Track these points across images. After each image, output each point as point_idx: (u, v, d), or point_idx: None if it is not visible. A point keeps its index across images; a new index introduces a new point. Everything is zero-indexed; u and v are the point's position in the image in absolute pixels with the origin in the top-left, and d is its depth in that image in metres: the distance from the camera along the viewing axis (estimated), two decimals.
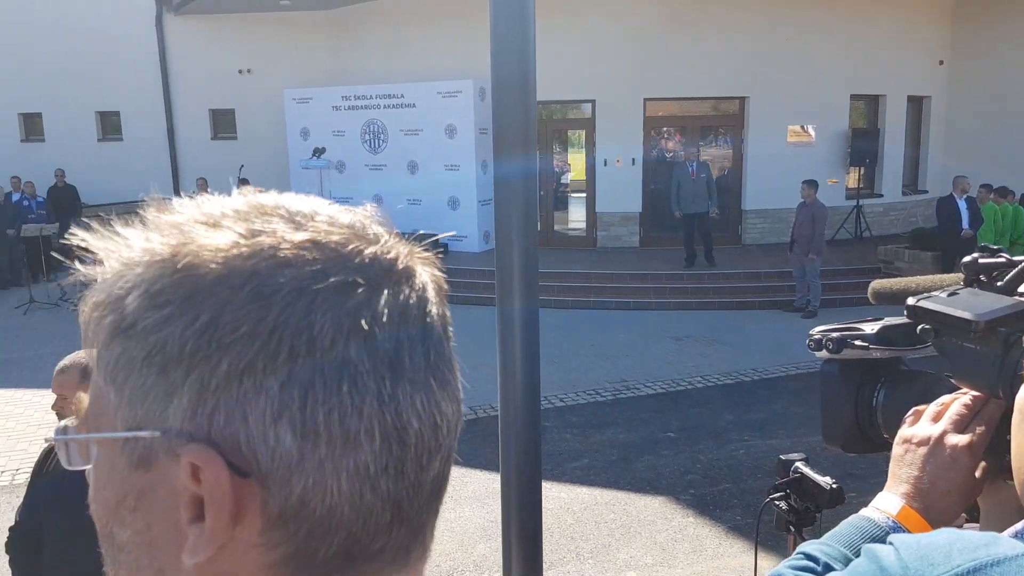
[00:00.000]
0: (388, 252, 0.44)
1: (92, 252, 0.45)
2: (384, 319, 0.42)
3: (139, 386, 0.42)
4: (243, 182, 0.54)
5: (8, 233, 11.96)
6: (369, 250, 0.44)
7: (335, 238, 0.43)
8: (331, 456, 0.41)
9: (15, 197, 12.79)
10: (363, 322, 0.41)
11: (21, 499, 2.45)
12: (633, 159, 12.12)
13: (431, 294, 0.46)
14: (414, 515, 0.44)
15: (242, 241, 0.42)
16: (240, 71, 13.91)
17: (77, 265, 0.45)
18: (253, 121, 14.11)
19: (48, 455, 2.42)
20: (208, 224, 0.44)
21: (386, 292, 0.43)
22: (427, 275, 0.46)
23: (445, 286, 0.48)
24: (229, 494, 0.40)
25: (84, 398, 0.49)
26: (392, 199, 12.31)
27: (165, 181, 14.54)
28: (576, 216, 13.56)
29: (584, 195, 12.97)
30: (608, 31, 11.59)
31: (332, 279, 0.41)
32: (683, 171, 10.71)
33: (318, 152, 12.49)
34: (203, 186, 12.60)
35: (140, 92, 14.19)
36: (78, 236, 0.45)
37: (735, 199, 12.34)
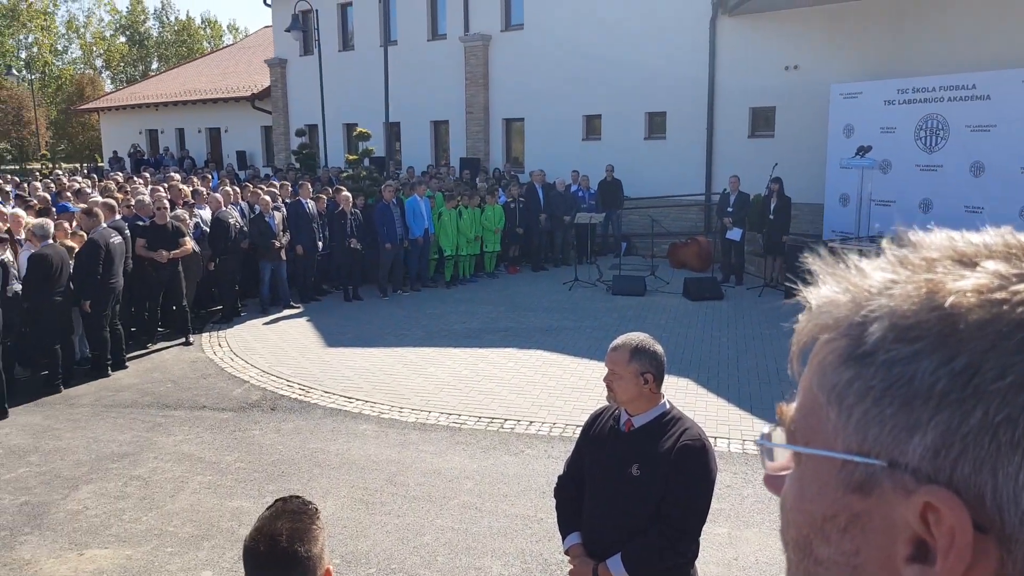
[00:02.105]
0: None
1: (813, 276, 0.54)
2: None
3: (873, 414, 0.47)
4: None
5: (564, 219, 16.27)
6: None
7: None
8: None
9: (573, 188, 17.21)
10: None
11: (564, 452, 3.89)
12: None
13: None
14: None
15: (1004, 285, 0.46)
16: (786, 67, 15.90)
17: (800, 287, 0.56)
18: (793, 118, 15.95)
19: (596, 418, 3.19)
20: (963, 263, 0.49)
21: None
22: None
23: None
24: (970, 546, 0.43)
25: (787, 409, 0.56)
26: (945, 205, 12.68)
27: (699, 177, 17.48)
28: None
29: None
30: None
31: None
32: None
33: (862, 151, 13.02)
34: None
35: (685, 93, 17.35)
36: (810, 261, 0.55)
37: None
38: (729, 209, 14.21)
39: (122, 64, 60.93)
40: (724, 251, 14.58)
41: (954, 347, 0.45)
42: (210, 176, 18.34)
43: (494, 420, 7.73)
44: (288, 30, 20.07)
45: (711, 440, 3.21)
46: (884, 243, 0.55)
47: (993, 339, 0.44)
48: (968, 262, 0.49)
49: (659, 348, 3.11)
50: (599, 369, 3.17)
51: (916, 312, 0.47)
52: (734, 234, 14.16)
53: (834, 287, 0.54)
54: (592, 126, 19.38)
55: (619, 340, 3.12)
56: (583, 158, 18.61)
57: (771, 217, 13.66)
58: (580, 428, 3.30)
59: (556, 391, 8.52)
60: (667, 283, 14.14)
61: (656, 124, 18.32)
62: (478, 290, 14.33)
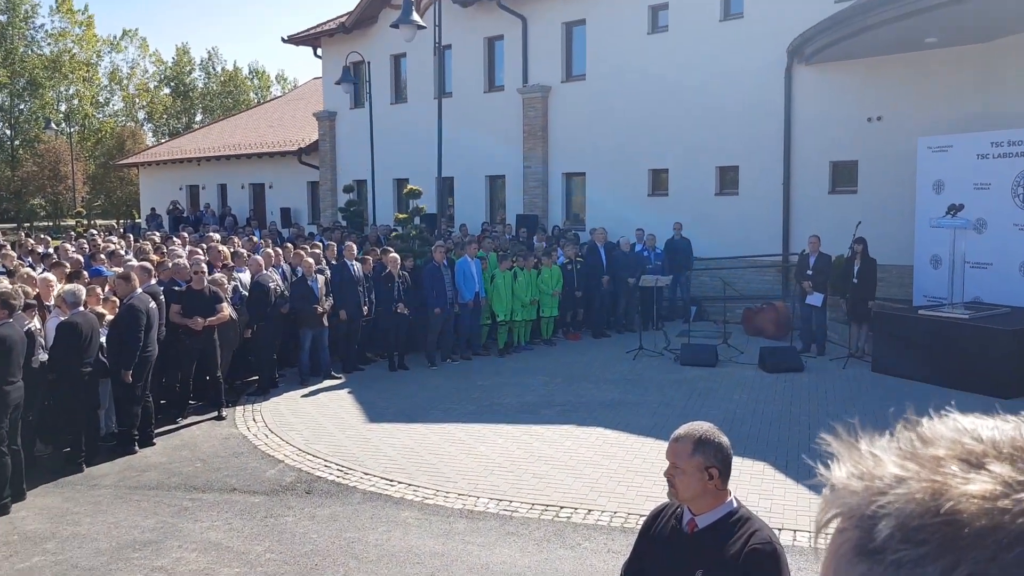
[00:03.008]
0: None
1: (832, 452, 0.62)
2: None
3: None
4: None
5: (628, 282, 16.20)
6: None
7: None
8: None
9: (638, 247, 17.18)
10: None
11: (625, 545, 3.89)
12: None
13: None
14: None
15: (1007, 492, 0.49)
16: (869, 119, 15.75)
17: (819, 468, 0.63)
18: (877, 173, 15.74)
19: (656, 516, 3.13)
20: (969, 464, 0.53)
21: None
22: None
23: None
24: None
25: None
26: None
27: (775, 236, 17.29)
28: None
29: None
30: None
31: None
32: None
33: (954, 209, 12.71)
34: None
35: (760, 146, 17.31)
36: (827, 442, 0.62)
37: None
38: (809, 272, 14.00)
39: (165, 116, 63.54)
40: (804, 318, 14.32)
41: (957, 555, 0.49)
42: (254, 236, 18.81)
43: (549, 508, 7.58)
44: (339, 83, 20.72)
45: (787, 536, 3.07)
46: (899, 427, 0.60)
47: (994, 550, 0.48)
48: (975, 463, 0.53)
49: (725, 440, 3.04)
50: (665, 450, 3.07)
51: (922, 515, 0.52)
52: (815, 299, 13.91)
53: (851, 470, 0.60)
54: (659, 181, 19.40)
55: (681, 430, 3.08)
56: (649, 215, 18.61)
57: (855, 281, 13.41)
58: (642, 520, 3.29)
59: (618, 475, 8.37)
60: (741, 352, 13.90)
61: (728, 179, 18.26)
62: (533, 359, 14.29)
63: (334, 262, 13.84)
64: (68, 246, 16.53)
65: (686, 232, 17.50)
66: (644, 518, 3.28)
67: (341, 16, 25.52)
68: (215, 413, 10.90)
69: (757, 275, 17.65)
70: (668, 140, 18.70)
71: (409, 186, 17.66)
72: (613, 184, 19.73)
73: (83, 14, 56.21)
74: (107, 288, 10.49)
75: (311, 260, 12.84)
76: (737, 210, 17.82)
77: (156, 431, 9.97)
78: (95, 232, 24.58)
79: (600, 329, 16.38)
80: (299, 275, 12.88)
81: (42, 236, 20.94)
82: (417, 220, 17.13)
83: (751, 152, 17.53)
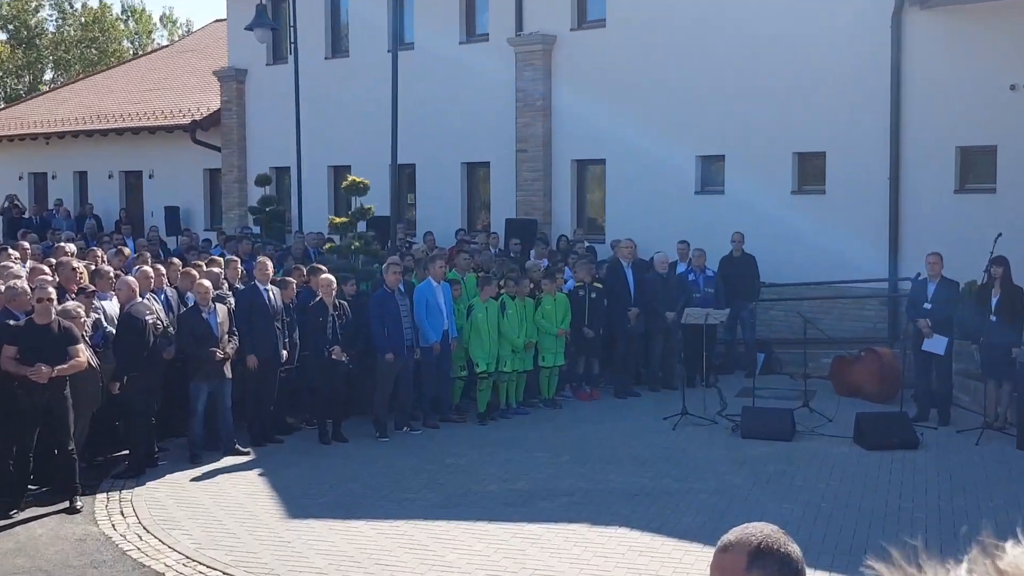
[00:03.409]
0: None
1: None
2: None
3: None
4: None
5: (666, 317, 16.20)
6: None
7: None
8: None
9: (680, 268, 17.24)
10: None
11: None
12: None
13: None
14: None
15: None
16: (1012, 87, 15.79)
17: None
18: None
19: None
20: None
21: None
22: None
23: None
24: None
25: None
26: None
27: (877, 253, 17.28)
28: None
29: None
30: None
31: None
32: None
33: None
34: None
35: (856, 125, 17.37)
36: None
37: None
38: (927, 305, 14.06)
39: (0, 73, 63.45)
40: (920, 370, 14.35)
41: None
42: (125, 248, 18.79)
43: None
44: (251, 27, 20.74)
45: None
46: (972, 556, 0.70)
47: None
48: None
49: (795, 549, 3.04)
50: (710, 562, 3.09)
51: None
52: (935, 344, 13.96)
53: None
54: (711, 173, 19.52)
55: (732, 536, 3.07)
56: (697, 222, 18.69)
57: (993, 318, 13.48)
58: None
59: None
60: (828, 420, 13.91)
61: (810, 171, 18.37)
62: (529, 427, 14.27)
63: (241, 286, 13.84)
64: None
65: (750, 246, 17.57)
66: None
67: None
68: (66, 503, 10.81)
69: (853, 309, 17.73)
70: (724, 115, 18.79)
71: (351, 177, 17.67)
72: (644, 177, 19.80)
73: None
74: None
75: (207, 283, 12.84)
76: (824, 215, 17.88)
77: None
78: None
79: (626, 385, 16.41)
80: (190, 304, 12.87)
81: None
82: (362, 226, 17.17)
83: (843, 133, 17.61)
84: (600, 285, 16.29)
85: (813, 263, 17.85)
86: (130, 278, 12.99)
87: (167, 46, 46.85)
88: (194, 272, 13.65)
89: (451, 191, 22.69)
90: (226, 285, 13.70)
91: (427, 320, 14.07)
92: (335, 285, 13.66)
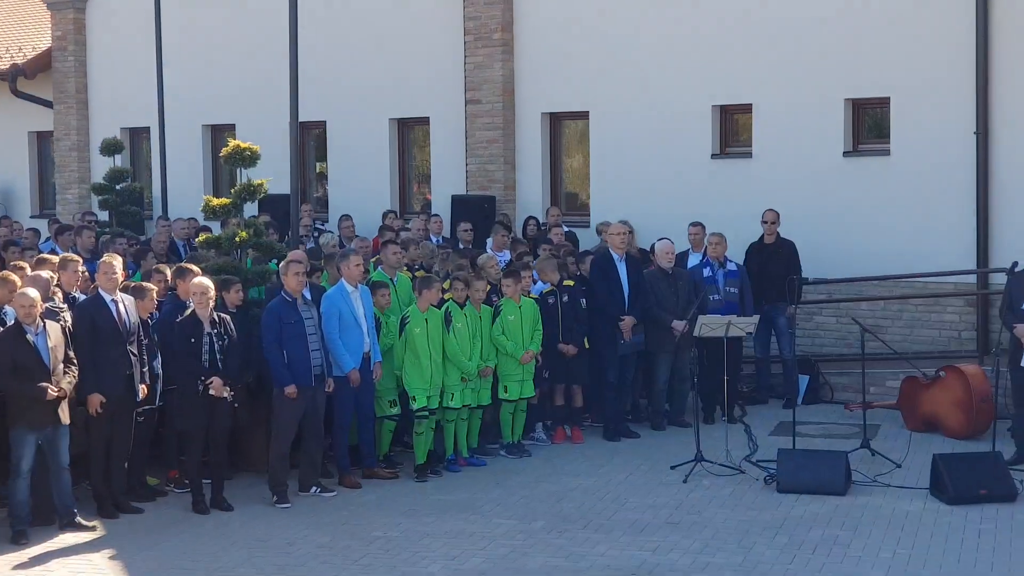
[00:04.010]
0: None
1: None
2: None
3: None
4: None
5: (675, 327, 16.25)
6: None
7: None
8: None
9: (693, 260, 17.33)
10: None
11: None
12: None
13: None
14: None
15: None
16: None
17: None
18: None
19: None
20: None
21: None
22: None
23: None
24: None
25: None
26: None
27: (960, 239, 17.43)
28: None
29: None
30: None
31: None
32: None
33: None
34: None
35: (929, 63, 17.54)
36: None
37: None
38: None
39: None
40: (1019, 396, 14.51)
41: None
42: None
43: None
44: None
45: None
46: None
47: None
48: None
49: None
50: None
51: None
52: None
53: None
54: (732, 129, 19.68)
55: None
56: (715, 196, 18.86)
57: None
58: None
59: None
60: (896, 465, 14.12)
61: (870, 124, 18.55)
62: (487, 484, 14.38)
63: (81, 295, 13.84)
64: None
65: (787, 229, 17.70)
66: None
67: None
68: None
69: (928, 313, 17.92)
70: (751, 52, 19.01)
71: (234, 140, 17.65)
72: (643, 135, 19.99)
73: None
74: None
75: (33, 293, 12.82)
76: (888, 185, 18.10)
77: None
78: None
79: (618, 423, 16.57)
80: (9, 323, 12.86)
81: None
82: (252, 209, 17.19)
83: (912, 74, 17.81)
84: (585, 288, 16.36)
85: (873, 252, 18.03)
86: None
87: None
88: (14, 277, 13.61)
89: (376, 159, 22.77)
90: (60, 295, 13.66)
91: (341, 339, 14.11)
92: (213, 293, 13.67)
